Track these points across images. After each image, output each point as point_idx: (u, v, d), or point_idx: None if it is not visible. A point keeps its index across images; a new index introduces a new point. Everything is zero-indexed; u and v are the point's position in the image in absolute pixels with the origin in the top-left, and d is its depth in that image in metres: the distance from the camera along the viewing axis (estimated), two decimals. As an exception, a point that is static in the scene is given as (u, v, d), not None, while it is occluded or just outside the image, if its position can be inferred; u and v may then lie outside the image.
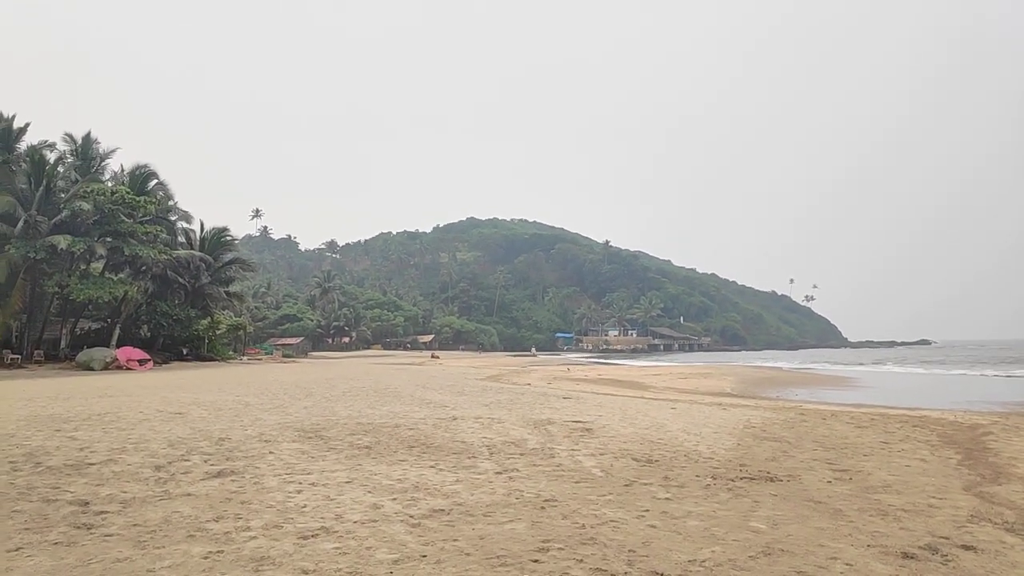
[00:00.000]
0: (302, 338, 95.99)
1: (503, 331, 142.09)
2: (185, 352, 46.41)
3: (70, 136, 43.67)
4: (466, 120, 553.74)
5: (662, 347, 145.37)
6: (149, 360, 37.56)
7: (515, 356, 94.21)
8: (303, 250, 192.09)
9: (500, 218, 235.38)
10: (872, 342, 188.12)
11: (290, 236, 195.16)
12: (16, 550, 4.70)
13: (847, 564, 4.64)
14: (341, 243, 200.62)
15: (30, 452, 8.31)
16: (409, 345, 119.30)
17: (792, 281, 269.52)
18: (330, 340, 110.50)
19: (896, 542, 5.17)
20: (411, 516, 5.65)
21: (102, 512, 5.67)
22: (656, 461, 8.35)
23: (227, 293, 51.77)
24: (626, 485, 6.99)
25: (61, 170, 41.20)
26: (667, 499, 6.39)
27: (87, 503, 5.96)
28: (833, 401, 21.12)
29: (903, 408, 17.53)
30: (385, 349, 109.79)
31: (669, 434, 10.83)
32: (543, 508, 5.97)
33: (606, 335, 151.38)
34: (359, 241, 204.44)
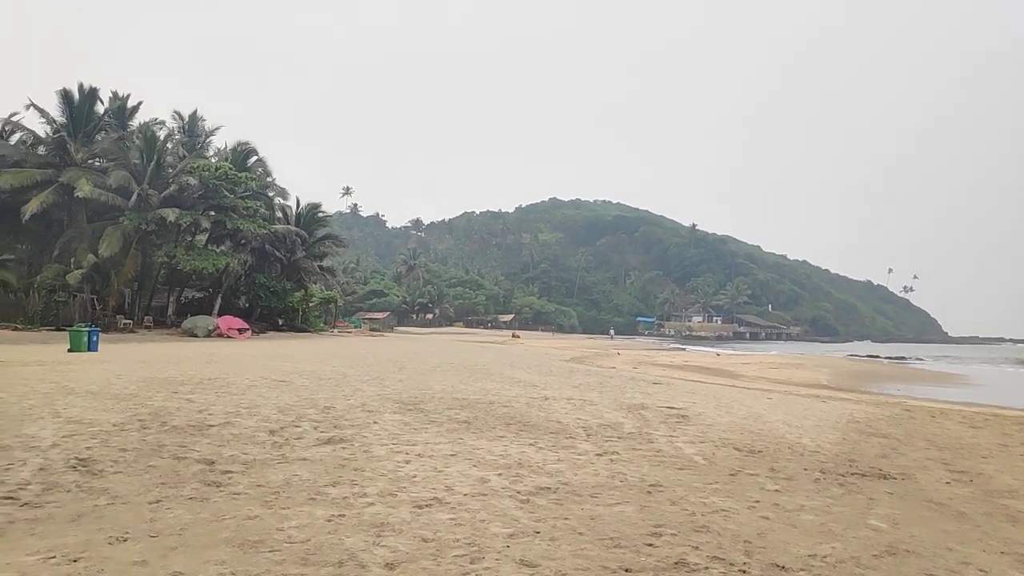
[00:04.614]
0: (388, 313, 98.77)
1: (583, 313, 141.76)
2: (280, 323, 48.45)
3: (178, 114, 46.19)
4: (554, 104, 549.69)
5: (748, 335, 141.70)
6: (248, 329, 39.44)
7: (592, 339, 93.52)
8: (390, 228, 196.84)
9: (583, 199, 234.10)
10: (977, 338, 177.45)
11: (378, 214, 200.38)
12: (156, 502, 5.03)
13: (981, 571, 4.40)
14: (426, 222, 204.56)
15: (154, 412, 8.87)
16: (490, 324, 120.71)
17: (891, 271, 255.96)
18: (414, 316, 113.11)
19: (1032, 551, 4.87)
20: (518, 492, 5.71)
21: (227, 472, 5.99)
22: (759, 452, 8.14)
23: (320, 267, 53.74)
24: (731, 475, 6.84)
25: (170, 146, 43.58)
26: (776, 491, 6.21)
27: (213, 462, 6.30)
28: (939, 398, 20.04)
29: (1019, 409, 16.45)
30: (466, 327, 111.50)
31: (768, 425, 10.54)
32: (649, 493, 5.92)
33: (689, 321, 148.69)
34: (443, 220, 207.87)
